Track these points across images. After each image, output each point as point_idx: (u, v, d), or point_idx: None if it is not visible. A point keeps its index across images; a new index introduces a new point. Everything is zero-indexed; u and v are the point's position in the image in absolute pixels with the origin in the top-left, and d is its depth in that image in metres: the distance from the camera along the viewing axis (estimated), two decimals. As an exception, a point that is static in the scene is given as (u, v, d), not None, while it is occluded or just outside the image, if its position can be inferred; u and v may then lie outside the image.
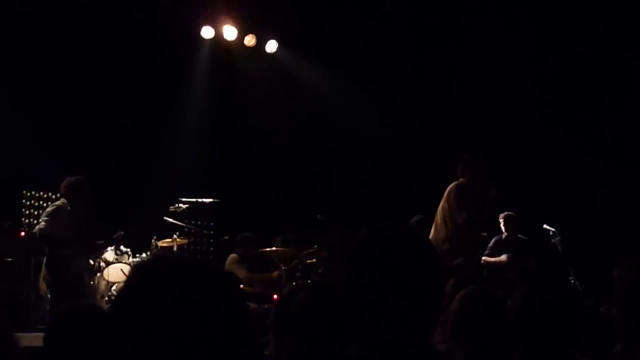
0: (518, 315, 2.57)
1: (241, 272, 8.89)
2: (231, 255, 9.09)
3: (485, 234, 8.85)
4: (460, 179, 7.29)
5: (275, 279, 9.07)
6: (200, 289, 1.47)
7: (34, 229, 7.68)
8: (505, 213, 9.19)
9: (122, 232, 8.13)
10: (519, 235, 9.21)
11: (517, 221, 9.19)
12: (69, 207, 7.35)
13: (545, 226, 9.20)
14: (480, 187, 7.24)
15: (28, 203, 9.60)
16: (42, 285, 7.73)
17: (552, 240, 9.08)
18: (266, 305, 8.28)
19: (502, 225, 9.24)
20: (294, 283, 8.60)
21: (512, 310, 2.62)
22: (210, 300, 1.47)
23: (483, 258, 8.98)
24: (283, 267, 8.95)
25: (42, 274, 7.56)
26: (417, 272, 1.85)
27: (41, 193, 9.70)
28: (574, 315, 2.57)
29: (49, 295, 7.48)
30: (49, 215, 7.26)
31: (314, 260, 9.21)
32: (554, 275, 8.90)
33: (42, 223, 7.23)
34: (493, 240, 9.17)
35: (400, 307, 1.82)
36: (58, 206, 7.36)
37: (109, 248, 8.60)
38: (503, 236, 9.23)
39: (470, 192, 7.19)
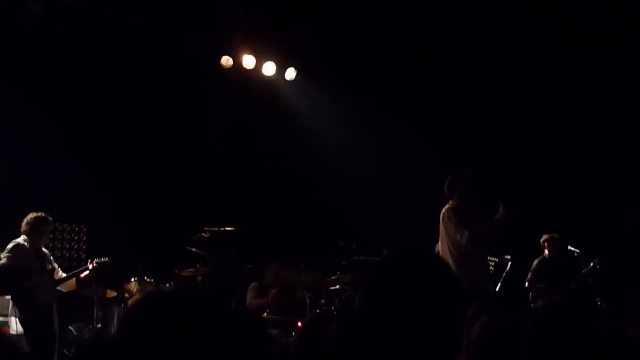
0: (529, 339, 2.54)
1: (256, 301, 8.90)
2: (252, 283, 9.09)
3: (508, 258, 8.79)
4: (450, 202, 7.08)
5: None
6: (192, 325, 1.47)
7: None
8: (549, 235, 9.18)
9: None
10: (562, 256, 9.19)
11: (560, 243, 9.16)
12: (28, 244, 7.48)
13: (570, 247, 9.14)
14: (472, 205, 6.99)
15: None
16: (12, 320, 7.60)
17: (579, 262, 9.02)
18: (292, 333, 8.24)
19: (546, 247, 9.21)
20: (317, 310, 8.58)
21: (523, 334, 2.59)
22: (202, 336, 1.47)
23: (528, 281, 9.02)
24: (307, 294, 8.93)
25: (9, 311, 7.54)
26: (436, 297, 1.79)
27: (65, 225, 9.77)
28: (585, 337, 2.53)
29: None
30: (10, 251, 7.39)
31: (338, 286, 9.19)
32: (581, 298, 8.82)
33: (4, 259, 7.34)
34: (536, 262, 9.16)
35: (420, 335, 1.76)
36: (18, 243, 7.47)
37: (132, 279, 8.64)
38: (546, 258, 9.20)
39: (463, 212, 6.96)
